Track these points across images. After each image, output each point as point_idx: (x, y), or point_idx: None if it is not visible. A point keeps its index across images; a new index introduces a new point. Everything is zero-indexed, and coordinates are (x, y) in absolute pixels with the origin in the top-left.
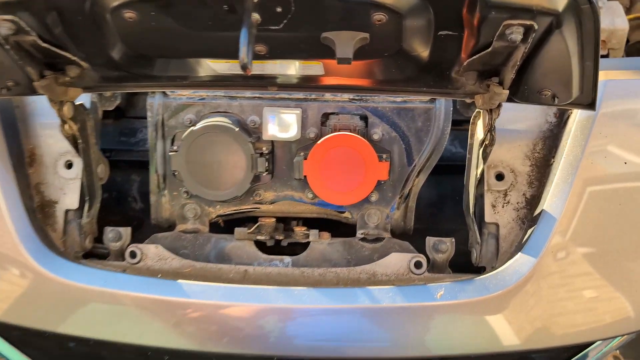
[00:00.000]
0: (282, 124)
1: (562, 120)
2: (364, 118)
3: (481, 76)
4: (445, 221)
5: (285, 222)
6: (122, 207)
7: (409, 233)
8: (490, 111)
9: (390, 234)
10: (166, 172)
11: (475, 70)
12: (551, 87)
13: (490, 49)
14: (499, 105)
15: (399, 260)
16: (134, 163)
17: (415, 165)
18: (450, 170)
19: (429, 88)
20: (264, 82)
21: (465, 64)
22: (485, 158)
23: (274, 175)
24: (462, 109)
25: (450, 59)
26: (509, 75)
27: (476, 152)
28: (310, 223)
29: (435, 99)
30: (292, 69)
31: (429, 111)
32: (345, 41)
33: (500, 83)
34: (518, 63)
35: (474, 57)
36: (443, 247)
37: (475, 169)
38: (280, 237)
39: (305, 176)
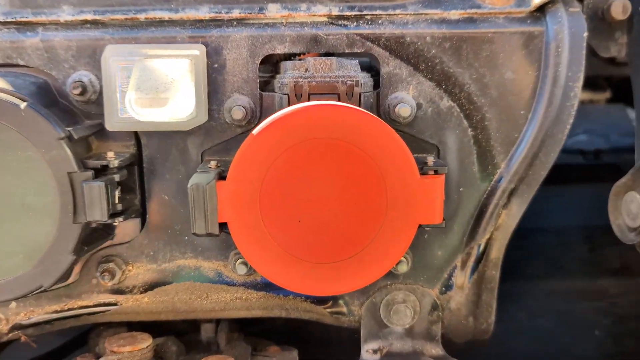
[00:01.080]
0: (154, 88)
1: None
2: (370, 68)
3: None
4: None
5: (185, 331)
6: None
7: (483, 338)
8: None
9: (442, 344)
10: None
11: None
12: None
13: None
14: None
15: None
16: None
17: (500, 180)
18: None
19: None
20: None
21: None
22: None
23: (148, 224)
24: (593, 38)
25: None
26: None
27: None
28: (248, 326)
29: (544, 9)
30: None
31: (533, 42)
32: None
33: None
34: None
35: None
36: None
37: None
38: None
39: (224, 224)
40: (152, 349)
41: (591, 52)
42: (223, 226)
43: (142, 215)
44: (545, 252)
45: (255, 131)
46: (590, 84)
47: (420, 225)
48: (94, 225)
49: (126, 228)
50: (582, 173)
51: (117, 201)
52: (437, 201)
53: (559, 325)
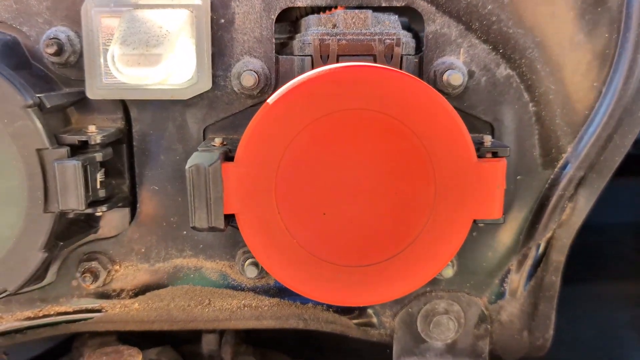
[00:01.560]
0: (144, 41)
1: None
2: (409, 28)
3: None
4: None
5: (185, 340)
6: None
7: (538, 355)
8: None
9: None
10: None
11: None
12: None
13: None
14: None
15: None
16: None
17: (566, 167)
18: None
19: None
20: None
21: None
22: None
23: (139, 215)
24: None
25: None
26: None
27: None
28: (255, 332)
29: None
30: None
31: None
32: None
33: None
34: None
35: None
36: None
37: None
38: None
39: (231, 216)
40: None
41: None
42: (229, 219)
43: (132, 204)
44: (588, 252)
45: (270, 100)
46: None
47: (474, 221)
48: (71, 215)
49: (113, 220)
50: (632, 163)
51: (99, 186)
52: (497, 191)
53: (603, 335)
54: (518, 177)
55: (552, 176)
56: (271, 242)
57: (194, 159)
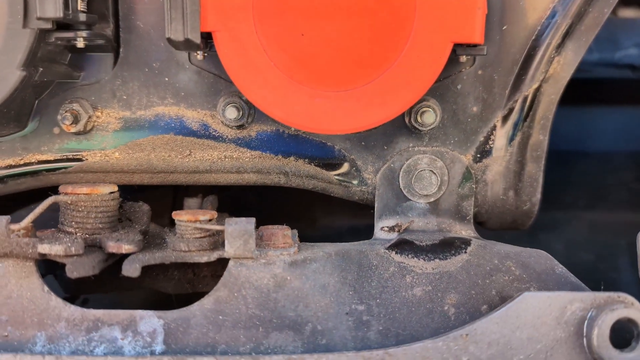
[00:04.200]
0: None
1: None
2: None
3: None
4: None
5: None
6: None
7: (525, 222)
8: None
9: (476, 223)
10: None
11: None
12: None
13: None
14: None
15: (547, 313)
16: None
17: (554, 16)
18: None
19: None
20: None
21: None
22: None
23: (122, 60)
24: None
25: None
26: None
27: None
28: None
29: None
30: None
31: None
32: None
33: None
34: None
35: None
36: None
37: None
38: (127, 249)
39: (207, 34)
40: (116, 198)
41: None
42: (207, 39)
43: (115, 51)
44: (588, 180)
45: None
46: None
47: (455, 49)
48: (52, 39)
49: (95, 64)
50: (632, 91)
51: (79, 7)
52: (477, 13)
53: (599, 259)
54: (504, 27)
55: (539, 27)
56: (247, 62)
57: None
